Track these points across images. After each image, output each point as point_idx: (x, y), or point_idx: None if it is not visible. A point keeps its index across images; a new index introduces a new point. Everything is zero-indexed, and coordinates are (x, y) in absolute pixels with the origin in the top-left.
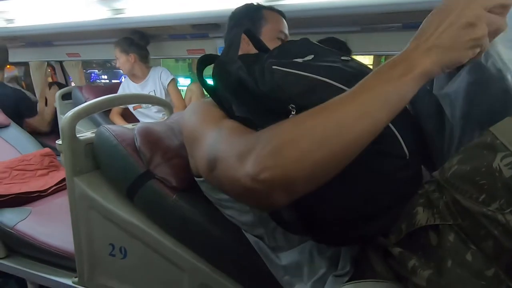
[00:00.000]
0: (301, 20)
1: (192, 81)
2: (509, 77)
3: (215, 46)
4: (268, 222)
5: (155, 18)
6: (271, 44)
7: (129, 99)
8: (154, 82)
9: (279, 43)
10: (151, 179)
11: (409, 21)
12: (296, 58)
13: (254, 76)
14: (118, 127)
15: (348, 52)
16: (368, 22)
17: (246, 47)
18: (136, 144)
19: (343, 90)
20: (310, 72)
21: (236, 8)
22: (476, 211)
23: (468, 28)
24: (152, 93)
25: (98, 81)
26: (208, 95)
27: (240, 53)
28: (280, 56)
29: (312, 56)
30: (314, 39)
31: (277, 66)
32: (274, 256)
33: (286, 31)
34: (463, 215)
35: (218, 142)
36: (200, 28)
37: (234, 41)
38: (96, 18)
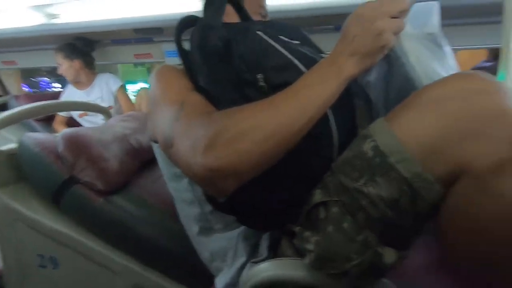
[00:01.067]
0: None
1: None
2: (406, 65)
3: (162, 50)
4: (204, 203)
5: (93, 24)
6: (253, 18)
7: (61, 106)
8: (101, 89)
9: (261, 18)
10: (76, 184)
11: (340, 23)
12: (284, 36)
13: (236, 40)
14: (43, 135)
15: None
16: (303, 25)
17: (229, 15)
18: (59, 150)
19: None
20: (289, 52)
21: None
22: (351, 187)
23: (378, 36)
24: (98, 100)
25: (49, 89)
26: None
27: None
28: (269, 27)
29: (298, 42)
30: None
31: (261, 32)
32: (205, 241)
33: (266, 9)
34: (344, 192)
35: (177, 121)
36: (143, 32)
37: (218, 3)
38: (32, 24)
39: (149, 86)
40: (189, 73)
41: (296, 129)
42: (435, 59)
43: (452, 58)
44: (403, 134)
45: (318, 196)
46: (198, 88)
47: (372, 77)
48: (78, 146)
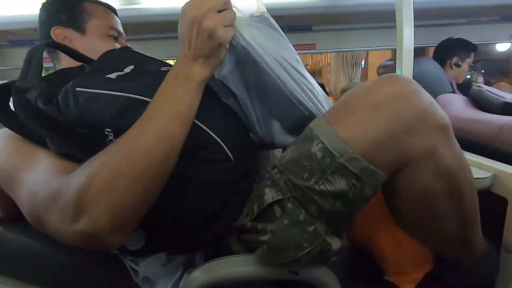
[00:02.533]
0: (168, 23)
1: None
2: (252, 52)
3: None
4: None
5: None
6: (102, 43)
7: None
8: None
9: (112, 41)
10: None
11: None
12: (114, 71)
13: (57, 104)
14: None
15: None
16: None
17: (68, 60)
18: None
19: None
20: (123, 90)
21: None
22: (303, 185)
23: (211, 37)
24: None
25: None
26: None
27: (62, 66)
28: (93, 71)
29: (132, 67)
30: None
31: (82, 87)
32: (135, 266)
33: (119, 28)
34: (296, 189)
35: (37, 194)
36: None
37: (33, 58)
38: None
39: None
40: (32, 141)
41: (162, 157)
42: (274, 41)
43: (285, 37)
44: (348, 135)
45: (269, 194)
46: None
47: (225, 71)
48: None
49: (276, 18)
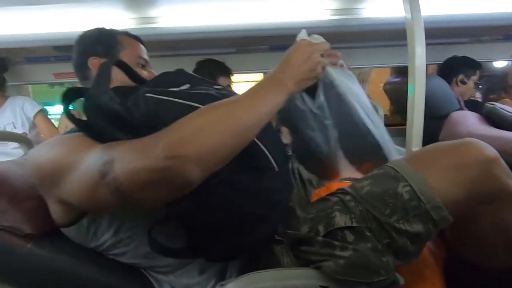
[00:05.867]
0: (182, 42)
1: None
2: (338, 86)
3: None
4: (153, 258)
5: (4, 39)
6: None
7: None
8: (14, 114)
9: (140, 69)
10: None
11: (274, 44)
12: (172, 88)
13: (128, 106)
14: None
15: (227, 70)
16: (242, 45)
17: (119, 79)
18: None
19: None
20: (185, 99)
21: (86, 32)
22: (383, 220)
23: (312, 69)
24: (9, 126)
25: None
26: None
27: (115, 85)
28: (155, 85)
29: (188, 85)
30: (194, 60)
31: (151, 94)
32: (164, 276)
33: (146, 56)
34: (372, 221)
35: (108, 152)
36: (64, 49)
37: (103, 71)
38: None
39: (42, 155)
40: (99, 140)
41: (249, 127)
42: (350, 82)
43: (356, 82)
44: (434, 186)
45: (341, 218)
46: None
47: (321, 99)
48: None
49: (288, 36)
